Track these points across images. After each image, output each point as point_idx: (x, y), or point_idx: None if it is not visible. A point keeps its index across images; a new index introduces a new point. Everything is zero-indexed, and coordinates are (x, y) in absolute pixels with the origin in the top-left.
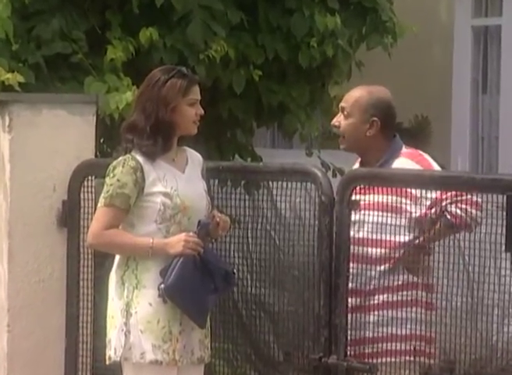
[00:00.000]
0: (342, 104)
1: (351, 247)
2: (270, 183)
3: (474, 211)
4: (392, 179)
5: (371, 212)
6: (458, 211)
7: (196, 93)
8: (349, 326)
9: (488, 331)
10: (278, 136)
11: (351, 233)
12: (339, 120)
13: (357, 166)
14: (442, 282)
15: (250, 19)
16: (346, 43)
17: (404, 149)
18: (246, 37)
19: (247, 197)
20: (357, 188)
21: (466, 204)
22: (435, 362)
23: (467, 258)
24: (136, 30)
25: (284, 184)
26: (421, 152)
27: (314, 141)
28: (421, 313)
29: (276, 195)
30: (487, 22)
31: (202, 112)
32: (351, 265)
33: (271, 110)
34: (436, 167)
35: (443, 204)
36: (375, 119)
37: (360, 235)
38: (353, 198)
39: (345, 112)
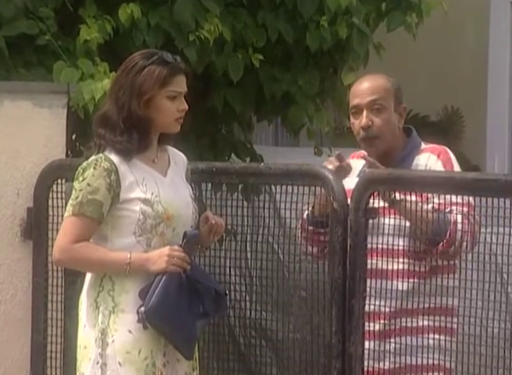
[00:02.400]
0: (370, 98)
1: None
2: (273, 187)
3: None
4: (417, 183)
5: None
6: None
7: (178, 84)
8: (365, 357)
9: None
10: (282, 132)
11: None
12: (371, 118)
13: (360, 164)
14: (476, 305)
15: None
16: (362, 22)
17: (424, 145)
18: (244, 15)
19: (245, 204)
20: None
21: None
22: None
23: (505, 276)
24: (114, 6)
25: (289, 189)
26: (447, 149)
27: (324, 137)
28: (449, 341)
29: (280, 202)
30: None
31: (185, 107)
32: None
33: (273, 101)
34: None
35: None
36: (405, 105)
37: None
38: (371, 204)
39: (375, 106)
